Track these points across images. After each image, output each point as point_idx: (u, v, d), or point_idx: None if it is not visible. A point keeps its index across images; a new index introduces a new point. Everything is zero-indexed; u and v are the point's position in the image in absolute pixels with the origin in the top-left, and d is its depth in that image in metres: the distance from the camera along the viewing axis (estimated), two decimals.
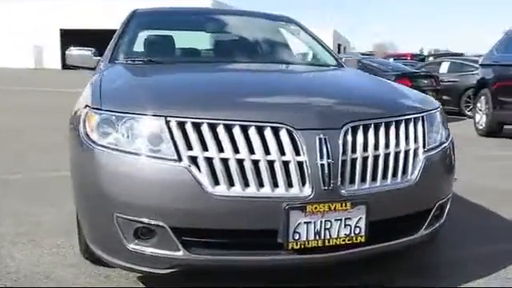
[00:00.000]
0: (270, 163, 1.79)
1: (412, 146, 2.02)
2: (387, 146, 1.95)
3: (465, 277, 2.33)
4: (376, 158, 1.91)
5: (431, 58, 23.89)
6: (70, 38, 35.46)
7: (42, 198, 3.65)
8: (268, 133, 1.82)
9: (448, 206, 2.25)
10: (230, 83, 2.43)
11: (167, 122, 1.84)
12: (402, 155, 1.98)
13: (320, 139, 1.82)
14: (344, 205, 1.80)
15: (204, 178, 1.76)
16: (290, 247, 1.78)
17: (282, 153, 1.80)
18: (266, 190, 1.78)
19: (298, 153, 1.80)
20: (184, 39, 3.33)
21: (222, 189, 1.77)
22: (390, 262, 2.44)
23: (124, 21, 3.39)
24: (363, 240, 1.86)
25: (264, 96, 2.13)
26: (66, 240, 2.77)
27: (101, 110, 1.97)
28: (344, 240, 1.83)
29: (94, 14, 33.79)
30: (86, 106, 2.08)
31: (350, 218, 1.82)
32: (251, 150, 1.79)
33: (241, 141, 1.80)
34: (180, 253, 1.81)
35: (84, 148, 1.97)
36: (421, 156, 2.03)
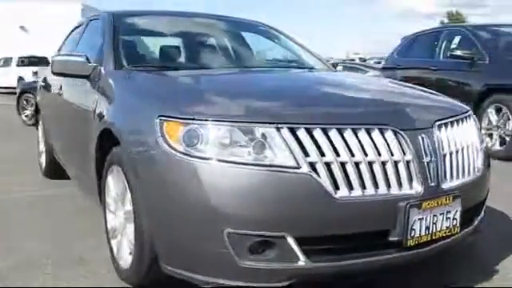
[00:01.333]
0: (383, 164, 1.83)
1: (474, 140, 2.22)
2: (462, 141, 2.11)
3: None
4: (457, 152, 2.06)
5: None
6: None
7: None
8: (376, 134, 1.85)
9: None
10: (309, 88, 2.40)
11: (278, 129, 1.77)
12: (471, 149, 2.15)
13: (422, 138, 1.91)
14: (448, 199, 1.92)
15: (326, 183, 1.74)
16: (407, 244, 1.84)
17: (391, 153, 1.85)
18: (382, 190, 1.81)
19: (404, 152, 1.87)
20: (185, 44, 3.18)
21: (343, 193, 1.76)
22: None
23: (107, 24, 3.11)
24: (458, 230, 1.99)
25: (359, 100, 2.17)
26: (85, 268, 2.49)
27: (192, 119, 1.82)
28: (445, 232, 1.94)
29: None
30: (160, 116, 1.89)
31: (449, 211, 1.94)
32: (364, 153, 1.81)
33: (353, 144, 1.81)
34: (301, 263, 1.75)
35: (173, 162, 1.80)
36: (479, 149, 2.24)
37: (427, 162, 1.89)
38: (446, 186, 1.94)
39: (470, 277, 2.31)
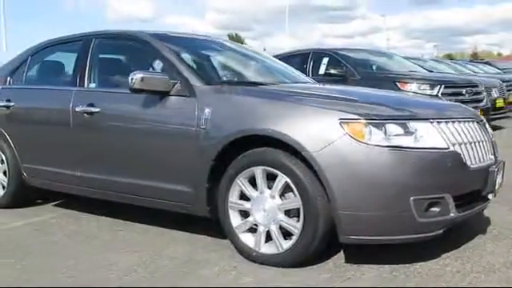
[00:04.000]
0: (479, 143, 2.73)
1: None
2: None
3: None
4: None
5: None
6: None
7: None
8: (471, 124, 2.75)
9: None
10: (406, 97, 3.14)
11: (431, 123, 2.53)
12: None
13: (486, 125, 2.89)
14: (502, 164, 2.92)
15: (463, 156, 2.56)
16: (490, 197, 2.77)
17: (479, 136, 2.77)
18: (482, 160, 2.71)
19: (483, 135, 2.81)
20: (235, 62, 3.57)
21: (470, 163, 2.60)
22: None
23: (159, 44, 3.31)
24: (502, 184, 3.02)
25: (451, 105, 3.03)
26: (212, 268, 2.74)
27: (372, 119, 2.45)
28: (499, 186, 2.94)
29: None
30: (341, 119, 2.45)
31: (501, 172, 2.93)
32: (471, 136, 2.69)
33: (466, 130, 2.67)
34: (451, 214, 2.52)
35: (363, 152, 2.40)
36: None
37: (493, 141, 2.87)
38: (499, 156, 2.95)
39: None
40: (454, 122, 2.65)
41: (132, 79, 2.94)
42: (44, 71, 4.15)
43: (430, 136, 2.50)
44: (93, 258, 2.93)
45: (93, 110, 3.38)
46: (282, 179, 2.60)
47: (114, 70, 3.71)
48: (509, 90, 11.03)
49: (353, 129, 2.44)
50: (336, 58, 7.85)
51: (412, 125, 2.49)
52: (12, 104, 3.98)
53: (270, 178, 2.67)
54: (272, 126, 2.60)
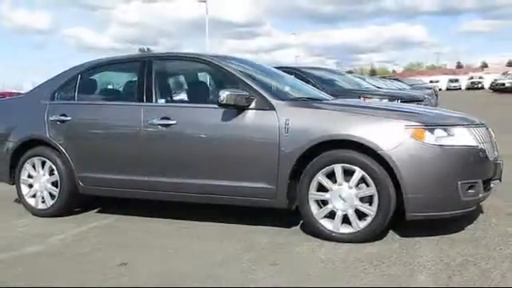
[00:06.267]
0: (490, 143, 3.68)
1: None
2: None
3: None
4: None
5: None
6: None
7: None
8: (483, 129, 3.70)
9: None
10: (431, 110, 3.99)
11: (467, 128, 3.44)
12: None
13: (490, 130, 3.87)
14: (501, 159, 3.92)
15: (487, 152, 3.49)
16: (494, 184, 3.73)
17: (488, 137, 3.73)
18: (492, 154, 3.66)
19: (489, 137, 3.77)
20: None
21: (489, 156, 3.54)
22: None
23: (226, 65, 3.95)
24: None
25: (457, 114, 3.93)
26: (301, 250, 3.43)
27: (429, 125, 3.32)
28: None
29: None
30: (406, 125, 3.28)
31: (502, 164, 3.92)
32: (485, 137, 3.64)
33: (482, 133, 3.61)
34: (481, 194, 3.43)
35: (423, 149, 3.25)
36: None
37: (495, 141, 3.86)
38: (499, 152, 3.94)
39: None
40: (475, 127, 3.59)
41: (221, 96, 3.54)
42: (99, 88, 4.53)
43: (465, 137, 3.41)
44: (190, 248, 3.44)
45: (168, 122, 3.90)
46: (359, 173, 3.35)
47: (185, 88, 4.25)
48: None
49: (415, 133, 3.27)
50: (301, 75, 8.70)
51: (452, 129, 3.38)
52: (69, 118, 4.32)
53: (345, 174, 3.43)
54: (352, 132, 3.36)
